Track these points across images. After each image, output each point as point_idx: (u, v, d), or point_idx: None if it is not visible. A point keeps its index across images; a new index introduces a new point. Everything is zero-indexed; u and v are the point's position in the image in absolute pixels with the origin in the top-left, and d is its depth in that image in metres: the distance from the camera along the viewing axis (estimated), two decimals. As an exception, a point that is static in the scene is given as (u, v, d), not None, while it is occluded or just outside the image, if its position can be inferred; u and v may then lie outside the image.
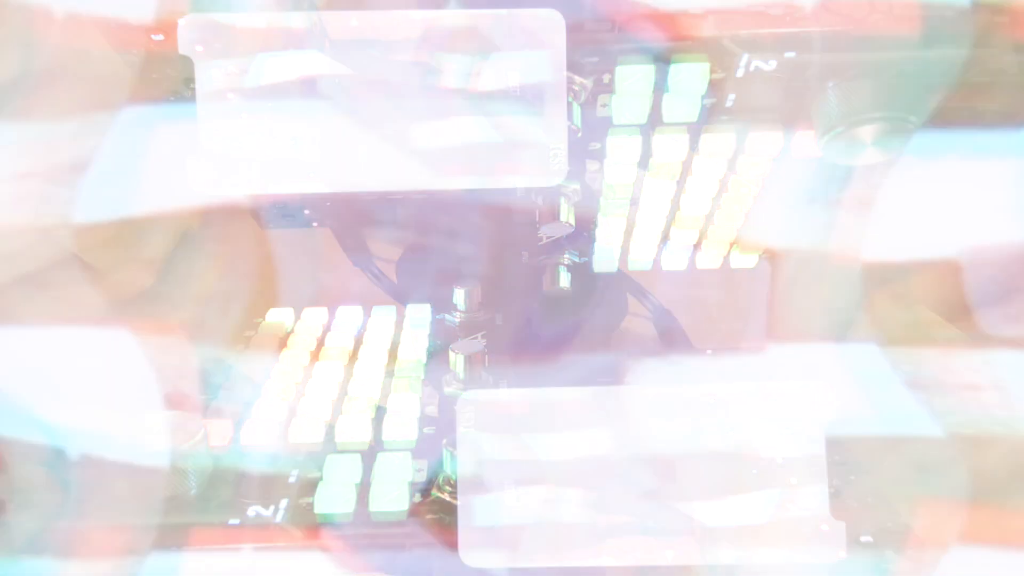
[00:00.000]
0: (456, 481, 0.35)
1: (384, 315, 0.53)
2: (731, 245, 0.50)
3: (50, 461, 0.41)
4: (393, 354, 0.48)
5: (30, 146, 0.31)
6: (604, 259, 0.50)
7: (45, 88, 0.31)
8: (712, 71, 0.38)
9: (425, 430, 0.41)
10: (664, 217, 0.47)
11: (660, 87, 0.39)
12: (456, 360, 0.43)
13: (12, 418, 0.35)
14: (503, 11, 0.34)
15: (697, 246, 0.50)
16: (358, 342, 0.50)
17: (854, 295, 0.39)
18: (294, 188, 0.36)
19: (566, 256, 0.48)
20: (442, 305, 0.53)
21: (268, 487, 0.37)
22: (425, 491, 0.37)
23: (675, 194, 0.45)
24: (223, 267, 0.40)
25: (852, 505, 0.37)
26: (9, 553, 0.34)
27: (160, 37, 0.34)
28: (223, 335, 0.40)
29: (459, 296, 0.51)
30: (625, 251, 0.50)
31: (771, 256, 0.50)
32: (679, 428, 0.38)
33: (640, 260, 0.51)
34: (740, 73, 0.38)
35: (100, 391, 0.39)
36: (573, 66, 0.37)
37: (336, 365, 0.46)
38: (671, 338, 0.58)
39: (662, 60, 0.38)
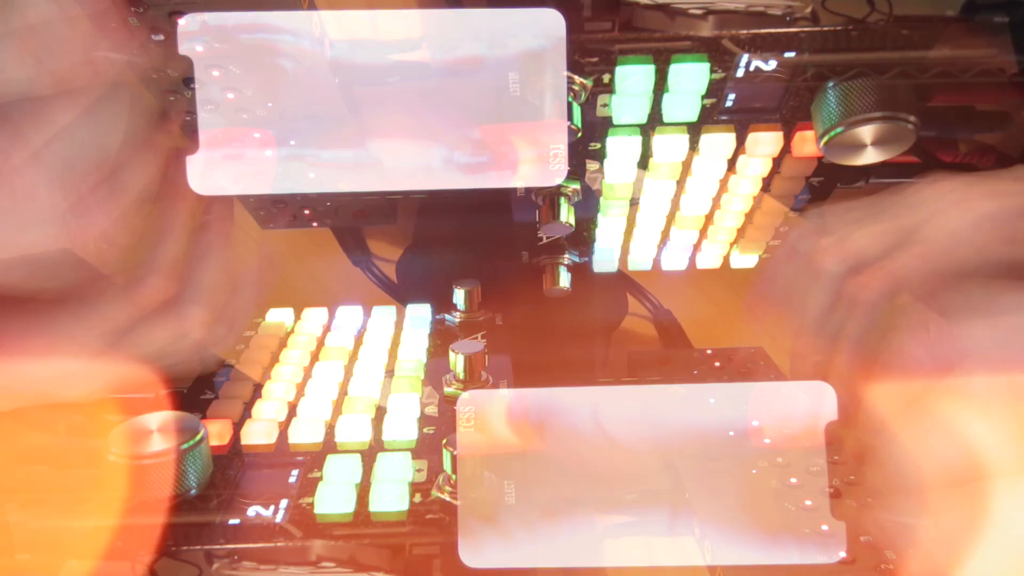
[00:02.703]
0: (456, 481, 0.35)
1: (384, 315, 0.53)
2: (731, 245, 0.50)
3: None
4: (393, 354, 0.48)
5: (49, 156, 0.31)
6: (604, 259, 0.50)
7: (58, 97, 0.31)
8: (712, 71, 0.38)
9: (425, 430, 0.41)
10: (664, 217, 0.47)
11: (660, 87, 0.39)
12: (456, 360, 0.43)
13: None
14: (503, 11, 0.34)
15: (697, 246, 0.50)
16: (358, 342, 0.50)
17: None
18: (294, 188, 0.36)
19: (566, 256, 0.48)
20: (442, 305, 0.53)
21: (268, 487, 0.37)
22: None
23: (675, 194, 0.45)
24: (223, 267, 0.40)
25: (852, 505, 0.37)
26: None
27: (160, 37, 0.34)
28: (223, 335, 0.40)
29: (459, 296, 0.52)
30: (625, 251, 0.50)
31: (771, 255, 0.50)
32: (679, 428, 0.38)
33: (640, 260, 0.51)
34: (740, 73, 0.38)
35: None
36: (573, 66, 0.37)
37: (336, 365, 0.46)
38: (671, 338, 0.58)
39: (662, 60, 0.38)
